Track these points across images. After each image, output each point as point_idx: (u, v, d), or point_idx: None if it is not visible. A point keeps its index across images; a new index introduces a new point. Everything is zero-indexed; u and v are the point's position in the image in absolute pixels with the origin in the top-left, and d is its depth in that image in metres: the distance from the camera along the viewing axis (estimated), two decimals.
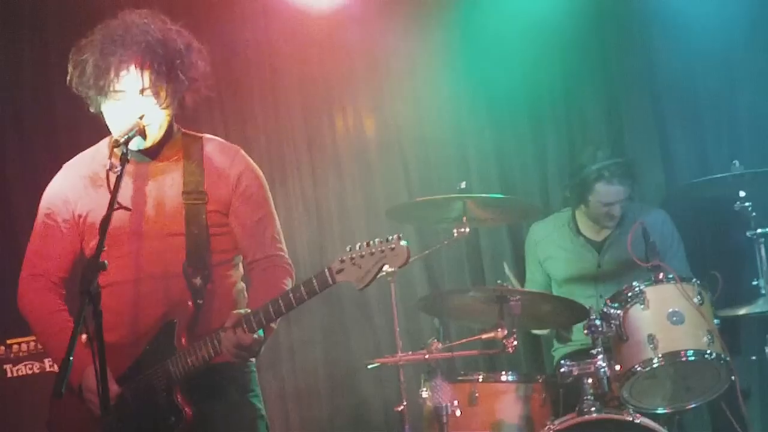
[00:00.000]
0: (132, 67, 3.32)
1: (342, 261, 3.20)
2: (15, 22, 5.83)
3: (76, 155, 3.65)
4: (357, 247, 3.20)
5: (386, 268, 3.17)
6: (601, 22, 5.80)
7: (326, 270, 3.22)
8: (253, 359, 3.53)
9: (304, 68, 6.01)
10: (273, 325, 3.35)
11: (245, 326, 3.26)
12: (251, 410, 3.55)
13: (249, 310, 3.29)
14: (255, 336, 3.27)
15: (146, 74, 3.33)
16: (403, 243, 3.16)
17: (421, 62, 5.96)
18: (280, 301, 3.26)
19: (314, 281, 3.22)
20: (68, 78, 3.40)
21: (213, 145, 3.59)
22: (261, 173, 3.61)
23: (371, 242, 3.18)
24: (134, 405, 3.34)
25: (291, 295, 3.24)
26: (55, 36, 5.79)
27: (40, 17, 5.85)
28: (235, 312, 3.32)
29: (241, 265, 3.62)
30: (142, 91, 3.34)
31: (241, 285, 3.62)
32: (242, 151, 3.61)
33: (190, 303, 3.39)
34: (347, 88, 6.04)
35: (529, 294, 4.73)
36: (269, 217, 3.59)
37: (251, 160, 3.61)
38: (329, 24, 5.91)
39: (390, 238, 3.17)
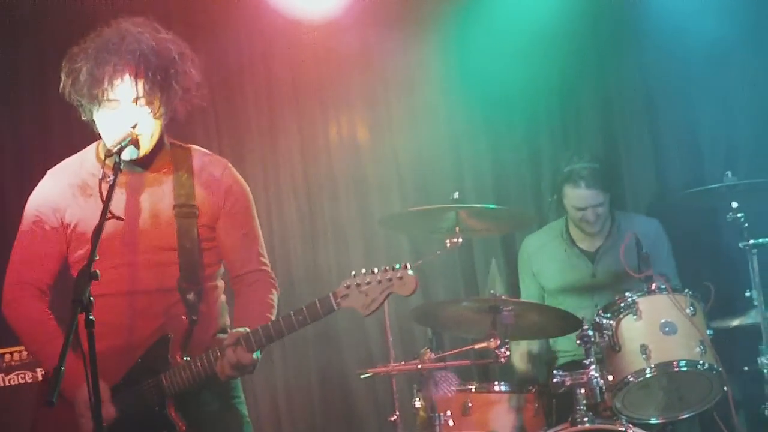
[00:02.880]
0: (126, 76, 3.29)
1: (347, 287, 3.20)
2: (12, 26, 5.82)
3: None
4: (362, 273, 3.19)
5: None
6: (596, 33, 5.79)
7: (330, 295, 3.21)
8: None
9: (299, 78, 6.01)
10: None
11: (245, 345, 3.25)
12: (236, 416, 3.55)
13: (248, 330, 3.27)
14: (254, 356, 3.27)
15: (140, 83, 3.30)
16: (410, 272, 3.18)
17: (416, 72, 5.96)
18: (281, 323, 3.25)
19: (318, 305, 3.22)
20: (61, 86, 3.38)
21: (202, 158, 3.57)
22: (248, 188, 3.60)
23: (377, 269, 3.19)
24: (125, 418, 3.30)
25: (293, 317, 3.23)
26: (52, 40, 5.73)
27: (38, 22, 5.84)
28: (234, 331, 3.31)
29: (221, 278, 3.61)
30: (135, 101, 3.31)
31: (223, 297, 3.61)
32: (230, 165, 3.60)
33: (184, 318, 3.39)
34: (342, 97, 6.04)
35: (522, 304, 4.72)
36: (255, 231, 3.59)
37: (239, 174, 3.60)
38: (324, 34, 5.90)
39: (397, 266, 3.19)
